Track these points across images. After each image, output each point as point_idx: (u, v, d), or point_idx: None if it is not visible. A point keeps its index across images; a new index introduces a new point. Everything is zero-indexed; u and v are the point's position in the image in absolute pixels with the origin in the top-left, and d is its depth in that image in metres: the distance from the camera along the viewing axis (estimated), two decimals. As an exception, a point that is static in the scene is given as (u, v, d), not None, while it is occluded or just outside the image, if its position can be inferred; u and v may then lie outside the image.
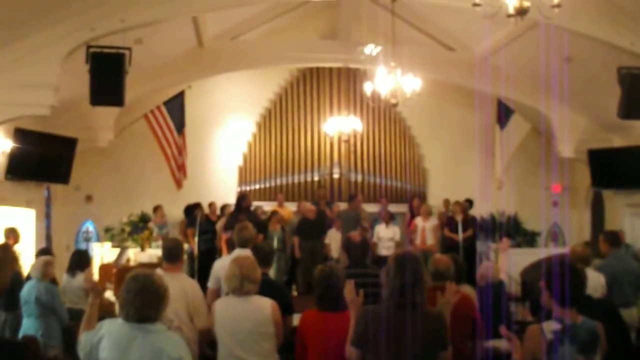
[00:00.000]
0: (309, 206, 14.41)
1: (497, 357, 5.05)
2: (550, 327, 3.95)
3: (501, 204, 14.72)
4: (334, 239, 13.76)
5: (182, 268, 6.15)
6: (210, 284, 6.61)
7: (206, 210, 14.16)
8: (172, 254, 5.93)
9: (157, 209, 14.44)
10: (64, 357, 7.47)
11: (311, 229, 13.86)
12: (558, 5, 6.97)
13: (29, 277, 7.89)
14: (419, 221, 14.15)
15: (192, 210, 14.08)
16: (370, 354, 4.14)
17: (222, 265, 6.60)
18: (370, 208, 15.41)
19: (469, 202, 14.51)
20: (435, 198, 15.98)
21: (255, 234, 6.98)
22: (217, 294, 6.41)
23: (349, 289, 4.57)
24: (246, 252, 6.34)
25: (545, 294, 4.09)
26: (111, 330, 3.89)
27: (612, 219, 14.38)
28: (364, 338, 4.15)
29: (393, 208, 15.42)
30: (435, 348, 4.12)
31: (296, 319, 5.22)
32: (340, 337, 4.70)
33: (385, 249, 13.70)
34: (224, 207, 14.13)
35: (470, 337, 5.31)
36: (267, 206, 15.12)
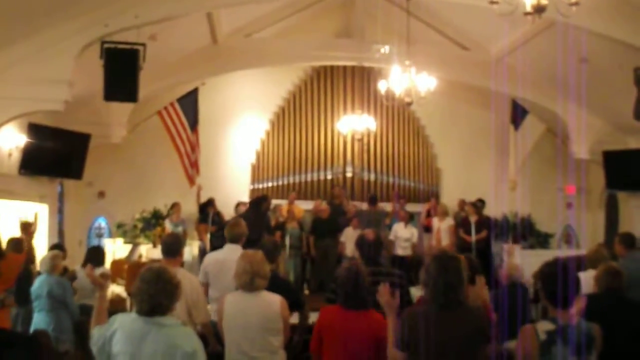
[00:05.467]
0: (321, 205, 14.42)
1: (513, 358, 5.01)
2: (544, 327, 3.97)
3: (515, 204, 14.66)
4: (349, 238, 13.73)
5: (181, 263, 6.17)
6: (200, 278, 6.65)
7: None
8: (170, 249, 5.96)
9: (174, 206, 14.41)
10: (75, 352, 7.48)
11: (324, 228, 13.85)
12: (576, 3, 6.90)
13: (38, 273, 7.90)
14: (435, 222, 14.10)
15: (205, 207, 14.08)
16: (420, 356, 4.07)
17: (210, 261, 6.80)
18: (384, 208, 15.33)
19: (481, 202, 14.40)
20: (449, 198, 15.90)
21: (247, 231, 7.06)
22: (206, 288, 6.55)
23: (383, 292, 4.52)
24: (236, 247, 6.58)
25: (542, 295, 4.14)
26: (124, 324, 3.92)
27: (627, 221, 14.26)
28: (411, 341, 4.10)
29: (406, 208, 15.35)
30: (479, 343, 4.11)
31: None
32: (361, 335, 4.73)
33: (402, 249, 13.67)
34: (238, 205, 14.07)
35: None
36: (279, 204, 15.11)
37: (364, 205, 14.78)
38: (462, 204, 14.90)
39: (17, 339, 4.99)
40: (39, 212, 9.57)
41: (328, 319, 5.01)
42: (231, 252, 6.53)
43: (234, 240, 6.78)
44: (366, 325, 4.79)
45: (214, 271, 6.50)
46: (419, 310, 4.23)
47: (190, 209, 14.66)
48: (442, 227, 13.89)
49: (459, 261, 4.21)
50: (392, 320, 4.42)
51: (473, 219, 13.47)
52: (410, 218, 14.30)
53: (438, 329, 4.01)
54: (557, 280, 3.94)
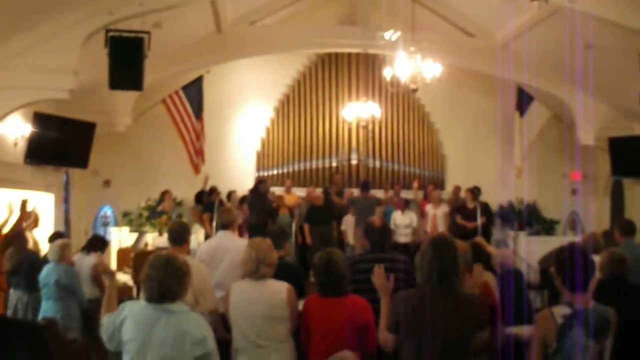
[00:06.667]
0: (316, 193, 14.42)
1: (518, 343, 5.02)
2: (561, 311, 3.95)
3: (520, 191, 14.65)
4: (350, 226, 13.74)
5: (188, 251, 6.17)
6: None
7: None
8: (177, 237, 5.94)
9: (165, 194, 14.44)
10: (83, 339, 7.51)
11: (320, 215, 13.84)
12: (583, -11, 6.88)
13: (46, 260, 7.91)
14: (429, 208, 14.09)
15: (202, 196, 14.08)
16: (409, 339, 4.12)
17: (203, 249, 6.85)
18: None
19: (477, 189, 14.27)
20: (454, 184, 15.88)
21: (237, 217, 7.19)
22: None
23: (378, 274, 4.58)
24: (228, 233, 6.72)
25: (557, 280, 4.09)
26: (134, 311, 3.93)
27: (633, 208, 14.24)
28: (403, 324, 4.12)
29: (411, 195, 15.34)
30: (472, 329, 4.13)
31: (301, 304, 5.23)
32: (339, 321, 4.79)
33: (403, 236, 13.63)
34: (230, 194, 14.14)
35: (490, 324, 5.27)
36: (280, 191, 15.09)
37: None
38: (457, 190, 14.89)
39: (22, 326, 5.03)
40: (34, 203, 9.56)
41: (309, 307, 5.07)
42: (223, 239, 6.68)
43: (225, 226, 6.83)
44: (343, 311, 4.84)
45: (208, 259, 6.50)
46: (411, 293, 4.24)
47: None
48: (438, 213, 13.89)
49: (454, 247, 4.21)
50: (385, 303, 4.48)
51: (471, 205, 13.39)
52: (406, 204, 14.25)
53: (430, 314, 4.03)
54: (574, 264, 3.93)
